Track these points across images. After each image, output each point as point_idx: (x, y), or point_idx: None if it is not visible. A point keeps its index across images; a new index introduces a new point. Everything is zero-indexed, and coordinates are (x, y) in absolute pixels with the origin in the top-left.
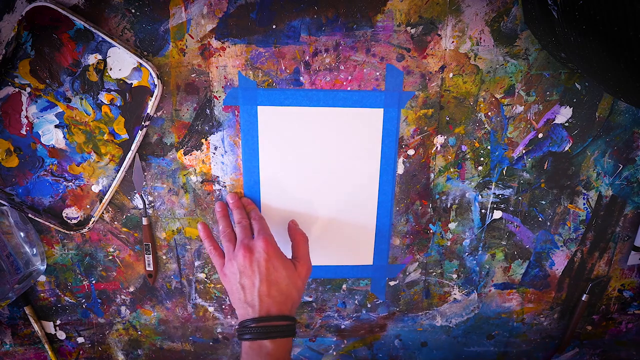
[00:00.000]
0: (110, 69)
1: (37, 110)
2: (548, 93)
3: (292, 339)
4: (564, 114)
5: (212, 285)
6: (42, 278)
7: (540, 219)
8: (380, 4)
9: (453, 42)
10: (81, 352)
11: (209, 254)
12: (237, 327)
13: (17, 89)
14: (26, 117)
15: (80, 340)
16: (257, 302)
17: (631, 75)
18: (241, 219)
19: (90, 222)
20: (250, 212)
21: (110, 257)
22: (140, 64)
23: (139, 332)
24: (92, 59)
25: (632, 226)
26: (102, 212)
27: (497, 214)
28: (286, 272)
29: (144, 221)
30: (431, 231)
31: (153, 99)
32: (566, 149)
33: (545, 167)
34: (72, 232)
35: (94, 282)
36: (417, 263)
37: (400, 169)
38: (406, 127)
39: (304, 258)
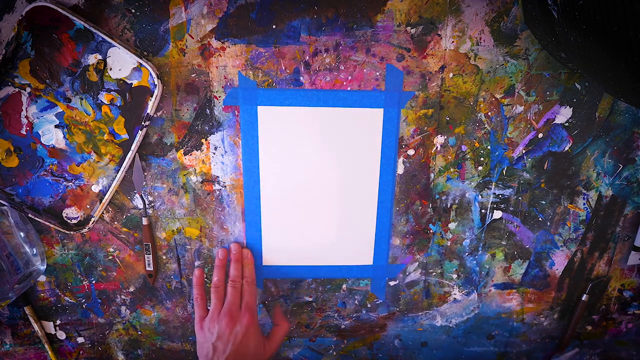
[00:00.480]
0: (110, 69)
1: (37, 110)
2: (548, 93)
3: None
4: (564, 114)
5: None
6: (42, 278)
7: (540, 219)
8: (380, 4)
9: (453, 42)
10: (81, 352)
11: (194, 300)
12: None
13: (17, 89)
14: (26, 117)
15: (80, 340)
16: None
17: (631, 75)
18: (235, 278)
19: (90, 222)
20: (245, 270)
21: (110, 257)
22: (140, 64)
23: (139, 332)
24: (92, 59)
25: (632, 226)
26: (102, 212)
27: (497, 214)
28: (254, 350)
29: (144, 221)
30: (431, 231)
31: (153, 99)
32: (566, 149)
33: (545, 167)
34: (72, 232)
35: (94, 282)
36: (417, 263)
37: (400, 169)
38: (406, 127)
39: (276, 343)
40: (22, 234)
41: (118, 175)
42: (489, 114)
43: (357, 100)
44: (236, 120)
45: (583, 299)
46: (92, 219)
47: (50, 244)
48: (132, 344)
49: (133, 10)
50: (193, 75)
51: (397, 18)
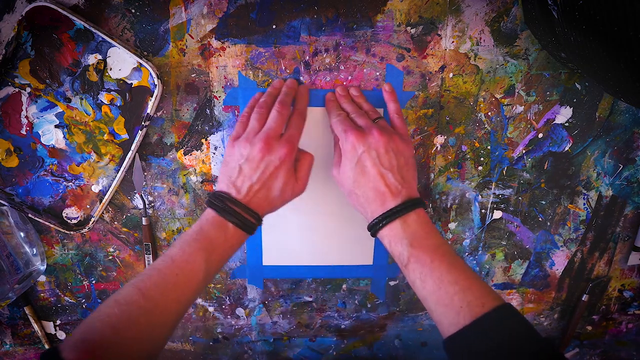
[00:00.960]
0: (110, 69)
1: (37, 110)
2: (548, 93)
3: (248, 236)
4: (564, 114)
5: (212, 285)
6: (42, 278)
7: (540, 219)
8: (380, 4)
9: (453, 42)
10: None
11: (239, 117)
12: (212, 193)
13: (17, 89)
14: (26, 117)
15: None
16: (244, 191)
17: (631, 75)
18: (284, 103)
19: (90, 222)
20: (297, 102)
21: (110, 257)
22: (140, 64)
23: None
24: (92, 59)
25: (632, 226)
26: (102, 212)
27: (497, 214)
28: (282, 186)
29: (144, 221)
30: None
31: (153, 99)
32: (566, 149)
33: (545, 167)
34: (72, 232)
35: (94, 282)
36: None
37: None
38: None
39: (304, 178)
40: (22, 234)
41: (118, 175)
42: (489, 114)
43: None
44: (236, 120)
45: (583, 299)
46: (92, 219)
47: (50, 244)
48: None
49: (133, 10)
50: (193, 75)
51: (397, 18)
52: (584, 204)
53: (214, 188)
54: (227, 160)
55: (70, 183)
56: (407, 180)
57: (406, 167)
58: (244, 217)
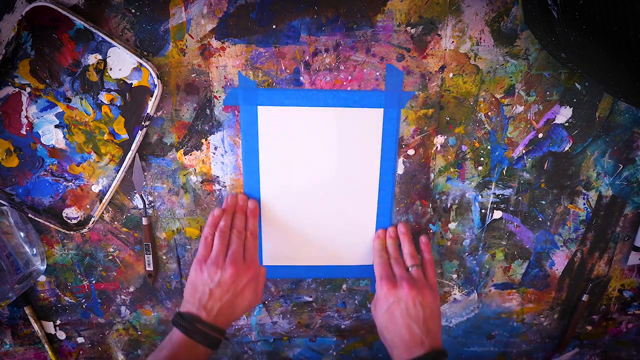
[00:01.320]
0: (110, 69)
1: (37, 110)
2: (548, 93)
3: (212, 350)
4: (564, 114)
5: None
6: (42, 278)
7: (540, 219)
8: (380, 4)
9: (453, 42)
10: (81, 352)
11: (202, 238)
12: (178, 312)
13: (17, 89)
14: (26, 117)
15: (80, 340)
16: (214, 312)
17: (631, 75)
18: (240, 229)
19: (90, 222)
20: (248, 222)
21: (110, 257)
22: (140, 64)
23: (139, 332)
24: (92, 59)
25: (632, 226)
26: (102, 212)
27: (497, 214)
28: (247, 303)
29: (144, 221)
30: (431, 231)
31: (153, 99)
32: (566, 149)
33: (545, 167)
34: (72, 232)
35: (94, 282)
36: None
37: (400, 169)
38: (406, 127)
39: (261, 290)
40: (22, 234)
41: (118, 175)
42: (489, 114)
43: (357, 100)
44: (236, 120)
45: (583, 299)
46: (92, 219)
47: (50, 244)
48: (132, 344)
49: (133, 10)
50: (193, 75)
51: (397, 18)
52: (584, 204)
53: (213, 188)
54: (195, 283)
55: (70, 183)
56: (431, 331)
57: (431, 319)
58: (212, 336)
